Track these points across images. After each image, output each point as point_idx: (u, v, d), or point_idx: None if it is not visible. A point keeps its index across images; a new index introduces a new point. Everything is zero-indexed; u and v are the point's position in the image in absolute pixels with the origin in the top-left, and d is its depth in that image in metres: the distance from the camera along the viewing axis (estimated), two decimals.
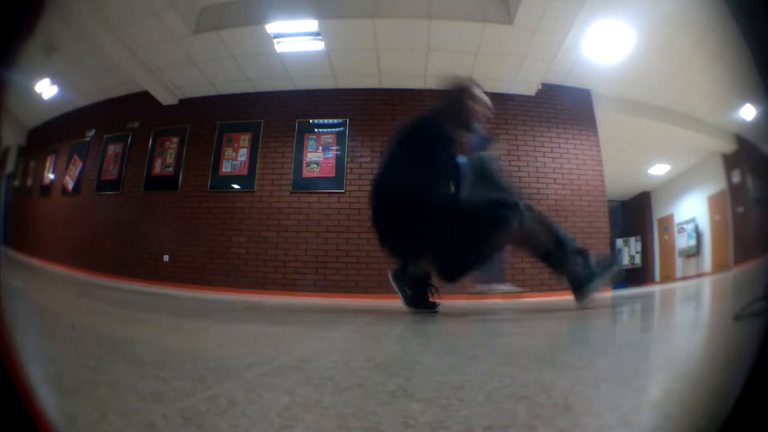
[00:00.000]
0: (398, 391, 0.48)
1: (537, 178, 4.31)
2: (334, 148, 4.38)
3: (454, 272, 1.66)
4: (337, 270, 4.07)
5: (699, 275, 4.94)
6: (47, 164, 4.81)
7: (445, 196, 1.72)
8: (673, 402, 0.46)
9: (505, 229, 1.56)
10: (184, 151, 4.57)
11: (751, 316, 0.61)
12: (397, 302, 1.87)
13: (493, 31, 3.63)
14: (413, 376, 0.57)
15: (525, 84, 4.31)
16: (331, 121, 4.47)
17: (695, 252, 5.01)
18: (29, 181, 4.76)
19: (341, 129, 4.43)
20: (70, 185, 4.70)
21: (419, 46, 3.87)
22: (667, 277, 5.71)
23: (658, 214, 6.12)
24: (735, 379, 0.38)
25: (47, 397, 0.40)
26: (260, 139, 4.49)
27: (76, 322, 1.08)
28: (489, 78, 4.27)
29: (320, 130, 4.46)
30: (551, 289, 4.06)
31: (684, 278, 5.29)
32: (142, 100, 4.61)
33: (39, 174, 4.79)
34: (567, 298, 1.81)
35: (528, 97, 4.45)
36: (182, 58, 4.11)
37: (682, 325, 1.39)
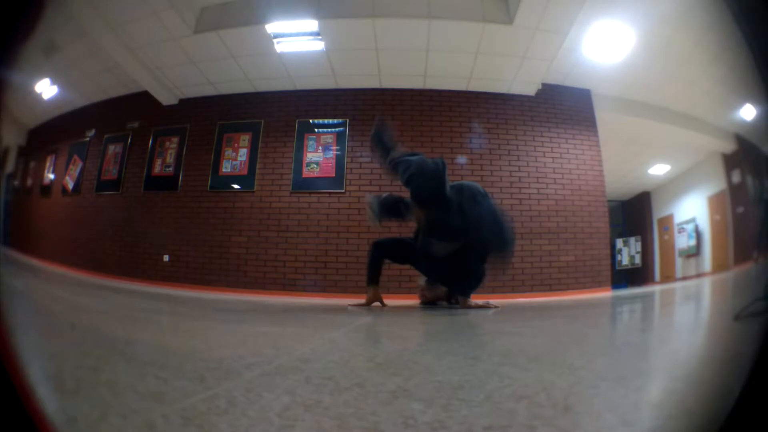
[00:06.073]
0: (398, 391, 0.48)
1: (537, 178, 4.31)
2: (334, 148, 4.38)
3: None
4: (337, 270, 4.07)
5: (699, 275, 4.94)
6: (47, 164, 4.81)
7: None
8: (673, 402, 0.46)
9: None
10: (184, 151, 4.57)
11: (751, 316, 0.61)
12: (395, 302, 1.87)
13: (493, 31, 3.63)
14: (413, 376, 0.57)
15: (525, 84, 4.31)
16: (331, 121, 4.47)
17: (695, 252, 5.01)
18: (29, 181, 4.76)
19: (341, 129, 4.43)
20: (70, 185, 4.70)
21: (419, 46, 3.87)
22: (667, 277, 5.71)
23: (658, 214, 6.12)
24: (735, 379, 0.38)
25: (47, 397, 0.40)
26: (260, 139, 4.49)
27: (76, 322, 1.08)
28: (489, 78, 4.28)
29: (320, 130, 4.46)
30: (551, 289, 4.06)
31: (684, 278, 5.29)
32: (142, 100, 4.61)
33: (39, 174, 4.78)
34: (567, 298, 1.81)
35: (528, 97, 4.45)
36: (182, 58, 4.11)
37: (682, 325, 1.39)
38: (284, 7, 3.67)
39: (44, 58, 3.65)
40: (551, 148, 4.40)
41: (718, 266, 4.53)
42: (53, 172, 4.80)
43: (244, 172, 4.44)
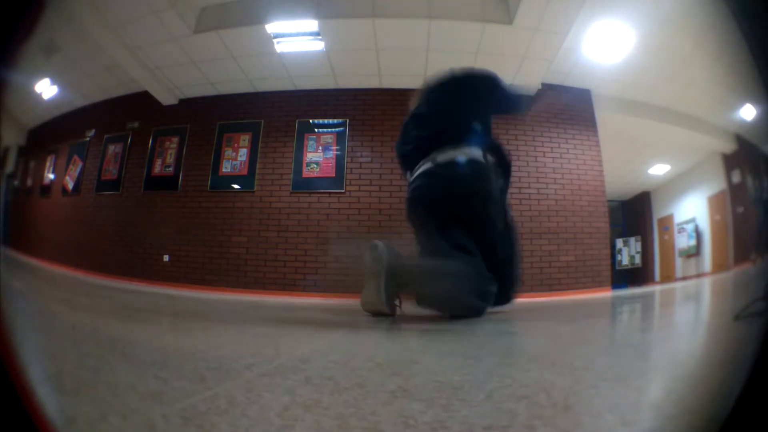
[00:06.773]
0: (398, 391, 0.48)
1: (537, 178, 4.31)
2: (334, 148, 4.38)
3: None
4: (337, 270, 4.07)
5: (699, 275, 4.93)
6: (47, 164, 4.80)
7: None
8: (673, 402, 0.46)
9: None
10: (184, 151, 4.57)
11: (751, 316, 0.61)
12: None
13: (493, 31, 3.63)
14: (413, 376, 0.57)
15: (525, 84, 4.31)
16: (331, 121, 4.47)
17: (695, 252, 5.01)
18: (29, 181, 4.75)
19: (341, 129, 4.43)
20: (70, 185, 4.70)
21: (419, 46, 3.87)
22: (667, 277, 5.70)
23: (658, 214, 6.11)
24: (735, 379, 0.38)
25: (47, 397, 0.40)
26: (260, 139, 4.49)
27: (76, 322, 1.08)
28: None
29: (320, 130, 4.47)
30: (551, 289, 4.06)
31: (684, 278, 5.29)
32: (142, 100, 4.61)
33: (39, 174, 4.78)
34: (567, 298, 1.81)
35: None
36: (182, 58, 4.11)
37: (682, 325, 1.39)
38: (284, 7, 3.67)
39: (44, 58, 3.65)
40: (551, 148, 4.40)
41: (718, 266, 4.52)
42: (53, 172, 4.80)
43: (244, 172, 4.44)
